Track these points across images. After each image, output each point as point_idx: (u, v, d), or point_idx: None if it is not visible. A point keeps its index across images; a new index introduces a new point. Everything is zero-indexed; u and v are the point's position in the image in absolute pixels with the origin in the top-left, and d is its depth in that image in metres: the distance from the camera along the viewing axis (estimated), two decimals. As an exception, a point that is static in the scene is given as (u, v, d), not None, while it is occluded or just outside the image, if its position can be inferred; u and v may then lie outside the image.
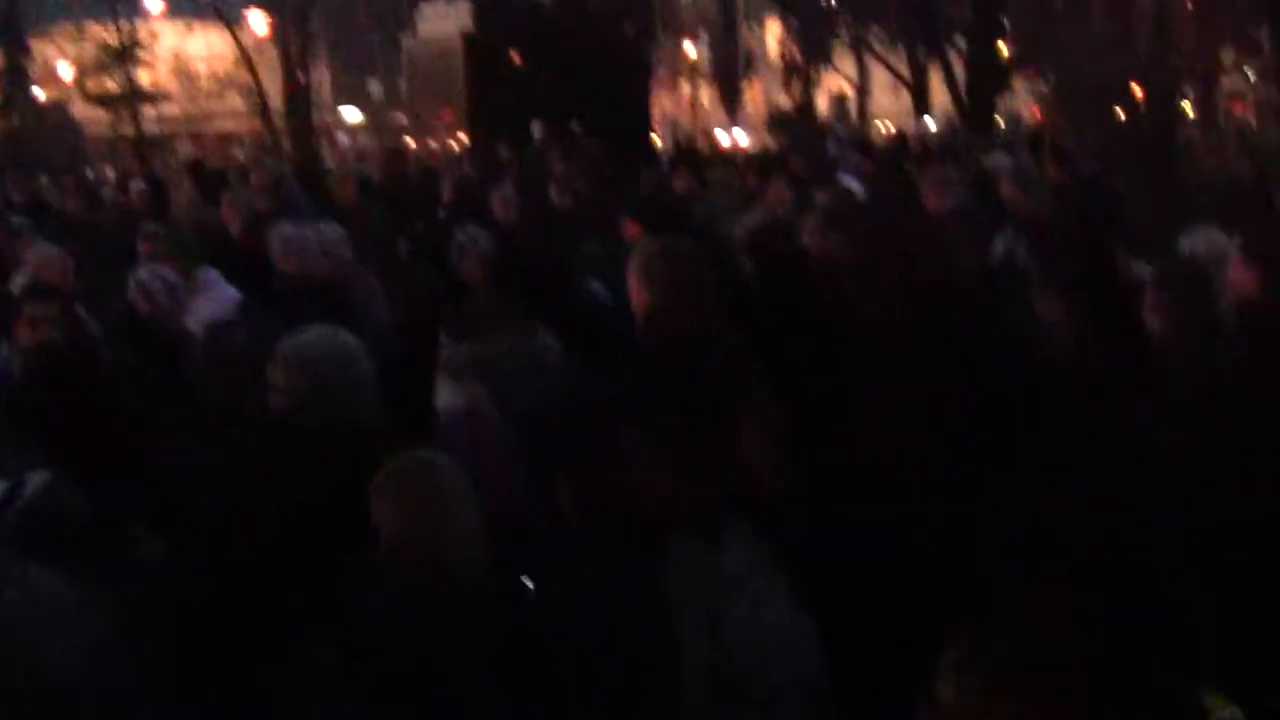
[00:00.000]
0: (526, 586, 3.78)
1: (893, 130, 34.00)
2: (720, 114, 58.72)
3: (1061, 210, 9.46)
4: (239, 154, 46.66)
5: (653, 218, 9.34)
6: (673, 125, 52.33)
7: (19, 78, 58.20)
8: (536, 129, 21.68)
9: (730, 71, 54.54)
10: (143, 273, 7.74)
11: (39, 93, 59.56)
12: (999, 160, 15.15)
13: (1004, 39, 37.04)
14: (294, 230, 9.13)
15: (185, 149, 53.91)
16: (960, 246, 7.56)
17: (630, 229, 9.33)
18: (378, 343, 6.65)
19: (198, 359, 5.84)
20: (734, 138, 45.49)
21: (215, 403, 5.39)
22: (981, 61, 37.12)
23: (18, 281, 9.08)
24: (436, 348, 5.71)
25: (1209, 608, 2.81)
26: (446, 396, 5.42)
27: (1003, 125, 35.54)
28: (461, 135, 24.41)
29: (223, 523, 4.43)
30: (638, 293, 5.74)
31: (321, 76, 63.19)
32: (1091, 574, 2.63)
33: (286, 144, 50.17)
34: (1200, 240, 6.99)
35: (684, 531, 3.60)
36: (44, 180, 23.42)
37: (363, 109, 64.96)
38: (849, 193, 10.42)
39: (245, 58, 58.19)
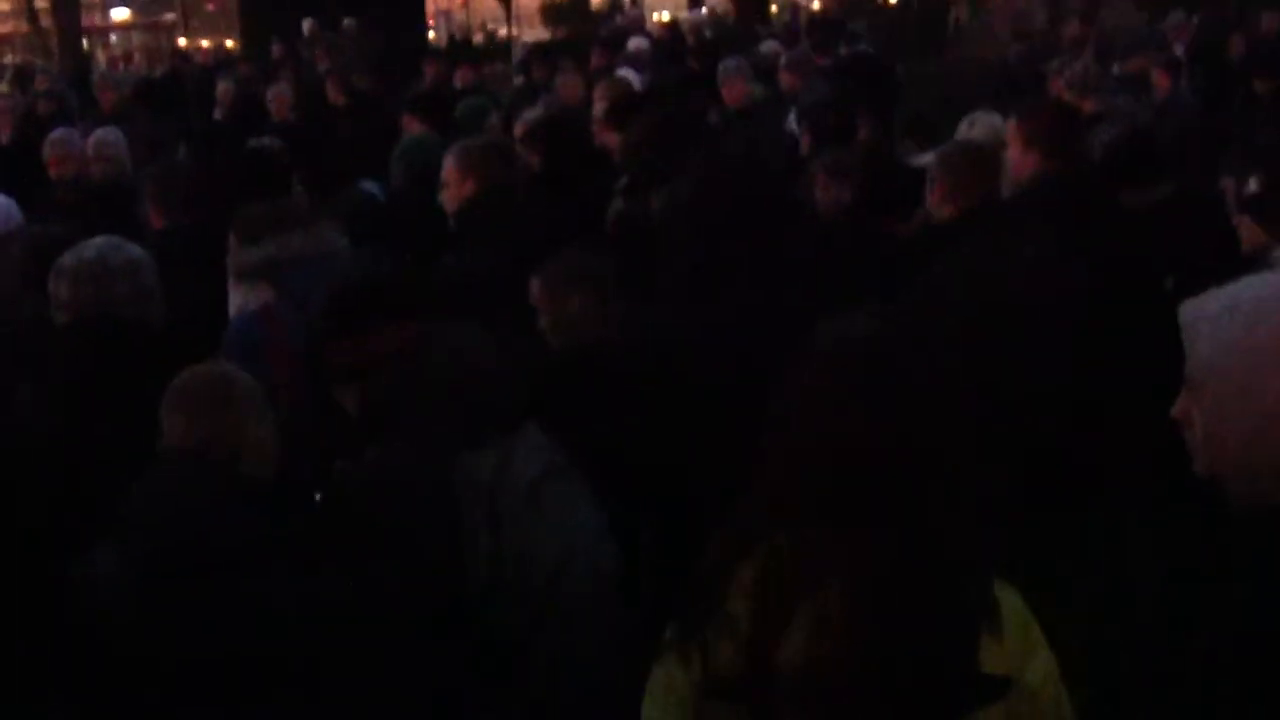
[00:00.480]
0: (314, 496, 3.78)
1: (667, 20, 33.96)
2: (493, 6, 58.11)
3: (840, 94, 9.60)
4: (8, 56, 45.11)
5: (434, 113, 9.34)
6: (445, 18, 51.72)
7: None
8: (307, 25, 21.36)
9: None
10: None
11: None
12: (772, 48, 15.29)
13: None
14: (65, 133, 9.00)
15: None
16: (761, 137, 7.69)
17: (409, 124, 9.34)
18: (159, 246, 6.61)
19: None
20: (511, 30, 45.02)
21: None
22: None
23: None
24: (218, 252, 5.68)
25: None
26: (238, 299, 5.42)
27: (777, 14, 35.64)
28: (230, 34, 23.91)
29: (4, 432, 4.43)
30: (456, 184, 6.10)
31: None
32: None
33: (54, 45, 48.57)
34: (979, 124, 7.19)
35: (471, 445, 3.72)
36: None
37: (130, 7, 63.17)
38: (628, 83, 10.45)
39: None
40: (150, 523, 3.40)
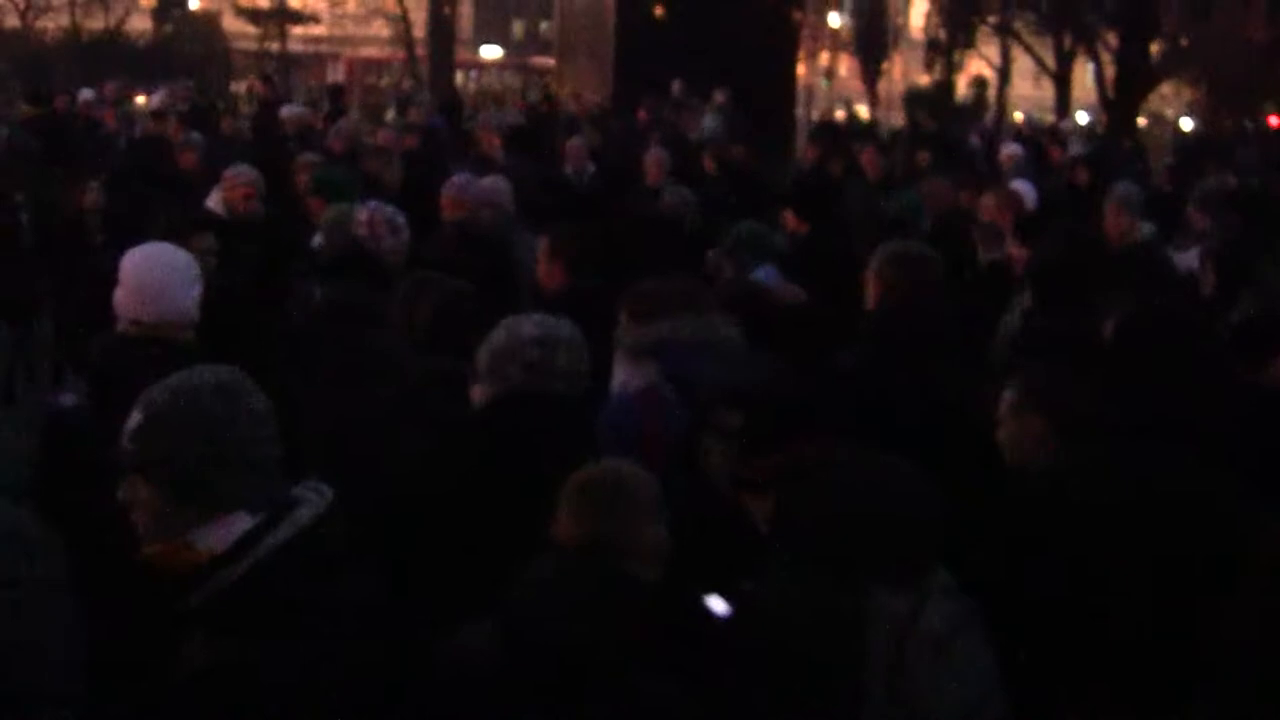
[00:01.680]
0: (709, 601, 3.76)
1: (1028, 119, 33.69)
2: (856, 85, 58.46)
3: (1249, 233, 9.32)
4: (382, 81, 46.95)
5: (810, 208, 9.45)
6: (808, 93, 52.10)
7: (177, -14, 59.10)
8: (676, 87, 21.77)
9: (873, 45, 54.21)
10: (370, 207, 7.84)
11: (194, 3, 60.30)
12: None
13: (1155, 39, 36.60)
14: (465, 180, 9.40)
15: (334, 70, 54.33)
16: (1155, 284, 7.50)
17: (789, 220, 9.49)
18: (553, 306, 6.84)
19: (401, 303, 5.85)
20: (872, 111, 45.30)
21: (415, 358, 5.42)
22: (1130, 59, 36.73)
23: (214, 198, 9.42)
24: (611, 321, 5.72)
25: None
26: (621, 375, 5.40)
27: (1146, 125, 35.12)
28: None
29: (411, 482, 4.52)
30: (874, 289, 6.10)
31: (465, 11, 63.53)
32: None
33: (426, 74, 50.48)
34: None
35: (886, 582, 3.61)
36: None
37: (503, 47, 65.25)
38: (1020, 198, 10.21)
39: (393, -15, 58.66)
40: (525, 612, 3.41)
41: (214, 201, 9.39)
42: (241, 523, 2.99)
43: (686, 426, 4.87)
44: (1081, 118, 35.74)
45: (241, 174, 9.45)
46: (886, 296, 6.14)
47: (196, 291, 4.84)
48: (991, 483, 4.66)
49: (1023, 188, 10.93)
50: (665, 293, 5.58)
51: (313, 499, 3.08)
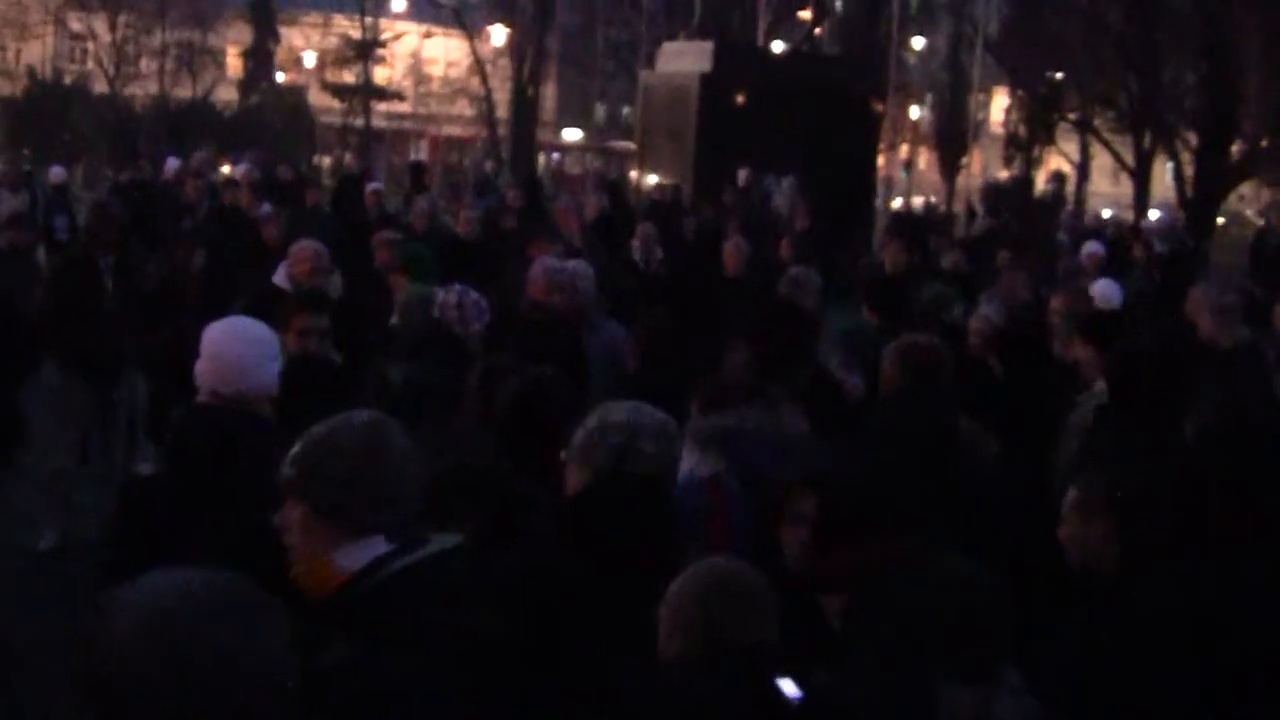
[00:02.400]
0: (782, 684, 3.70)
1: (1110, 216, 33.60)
2: (935, 178, 58.58)
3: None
4: (463, 159, 47.45)
5: (884, 302, 9.48)
6: (886, 185, 52.24)
7: (264, 60, 60.11)
8: (742, 175, 21.89)
9: (952, 139, 54.33)
10: (456, 290, 7.95)
11: (281, 76, 61.27)
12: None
13: (1236, 139, 36.51)
14: (553, 265, 9.44)
15: (416, 148, 54.99)
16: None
17: (866, 313, 9.52)
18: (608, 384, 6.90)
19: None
20: (950, 204, 45.34)
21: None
22: (1211, 159, 36.62)
23: (280, 274, 9.51)
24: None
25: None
26: (689, 463, 5.39)
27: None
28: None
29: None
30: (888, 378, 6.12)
31: (549, 92, 64.20)
32: None
33: (507, 154, 51.03)
34: None
35: (957, 678, 3.64)
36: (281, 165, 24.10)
37: (584, 130, 65.80)
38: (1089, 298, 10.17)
39: (479, 66, 59.34)
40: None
41: (280, 277, 9.46)
42: (378, 547, 3.34)
43: (750, 515, 4.92)
44: (1152, 214, 35.55)
45: (304, 249, 9.52)
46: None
47: (276, 365, 4.91)
48: (1055, 582, 4.64)
49: (1107, 288, 10.86)
50: (734, 383, 5.67)
51: (443, 539, 3.43)
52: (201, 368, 4.82)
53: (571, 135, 68.11)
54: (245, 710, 2.37)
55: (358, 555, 3.32)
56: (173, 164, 20.66)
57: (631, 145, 35.67)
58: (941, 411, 5.81)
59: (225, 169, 22.91)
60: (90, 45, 61.32)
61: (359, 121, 59.40)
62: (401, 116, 63.39)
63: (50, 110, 52.13)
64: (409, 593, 3.27)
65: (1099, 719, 4.24)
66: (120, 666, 2.34)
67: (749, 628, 3.64)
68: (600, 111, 65.07)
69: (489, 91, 59.74)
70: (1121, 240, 20.63)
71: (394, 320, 8.58)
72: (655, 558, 4.03)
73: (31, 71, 58.96)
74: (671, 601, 3.73)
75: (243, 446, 4.60)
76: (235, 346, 4.84)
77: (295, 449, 3.50)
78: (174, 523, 3.87)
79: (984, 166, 58.43)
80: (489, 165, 36.37)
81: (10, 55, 61.31)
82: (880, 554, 4.05)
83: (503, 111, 59.26)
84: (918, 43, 58.56)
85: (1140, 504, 4.72)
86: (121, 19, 59.29)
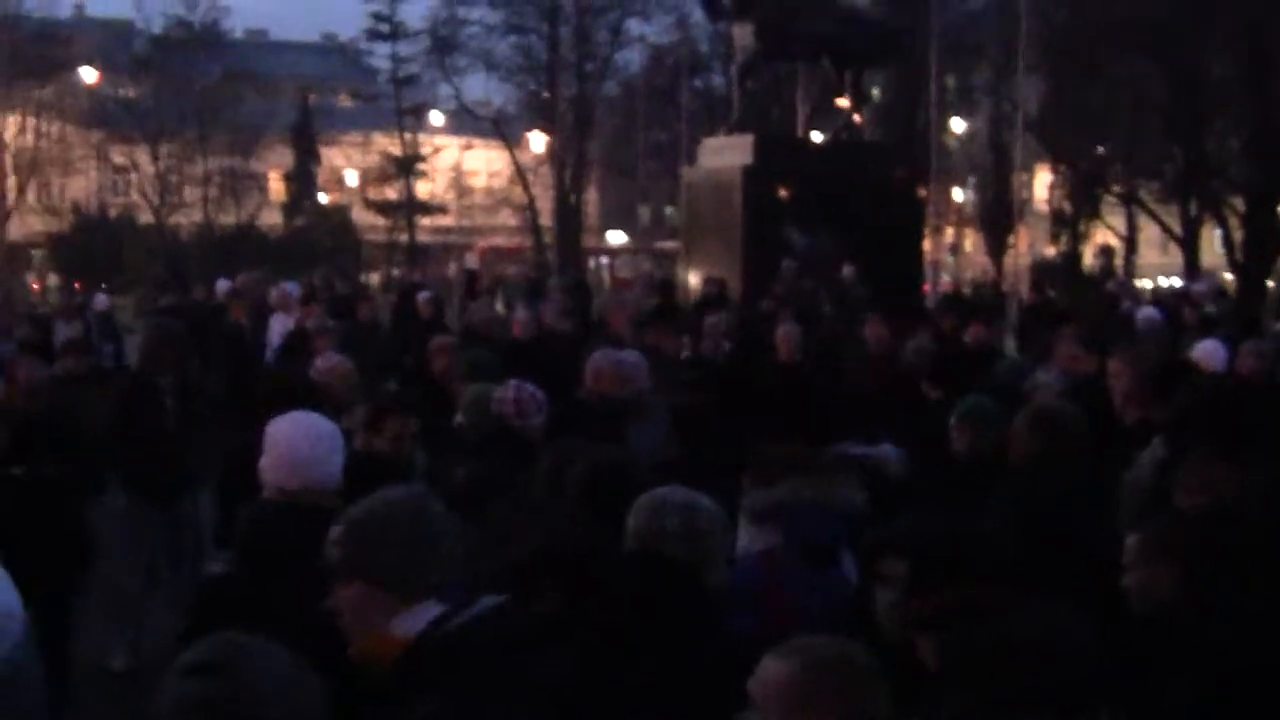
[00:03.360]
0: None
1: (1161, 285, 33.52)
2: (982, 259, 58.58)
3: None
4: (509, 270, 47.67)
5: (947, 377, 9.53)
6: (934, 269, 52.22)
7: (307, 181, 60.81)
8: (785, 267, 21.92)
9: (998, 219, 54.30)
10: (515, 386, 8.05)
11: (323, 197, 61.92)
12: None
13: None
14: (607, 356, 9.56)
15: (465, 259, 55.39)
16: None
17: (930, 390, 9.56)
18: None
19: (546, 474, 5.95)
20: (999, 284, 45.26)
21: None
22: (1259, 222, 36.53)
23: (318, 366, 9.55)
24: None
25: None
26: (744, 539, 5.48)
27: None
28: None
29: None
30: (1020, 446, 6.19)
31: (591, 198, 64.66)
32: None
33: (554, 261, 51.29)
34: None
35: (1049, 715, 3.60)
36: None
37: (628, 233, 66.19)
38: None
39: (521, 176, 59.85)
40: None
41: None
42: (432, 610, 3.46)
43: (806, 587, 5.02)
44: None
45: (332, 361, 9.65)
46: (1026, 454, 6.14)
47: (340, 459, 4.92)
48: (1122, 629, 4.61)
49: (1214, 348, 10.90)
50: (785, 457, 5.69)
51: (489, 597, 3.54)
52: (266, 464, 4.83)
53: (616, 238, 68.51)
54: None
55: (415, 621, 3.43)
56: (223, 285, 20.83)
57: (676, 244, 35.86)
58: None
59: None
60: (134, 177, 62.14)
61: (404, 237, 59.90)
62: (446, 230, 63.92)
63: (98, 243, 52.88)
64: (477, 644, 3.37)
65: None
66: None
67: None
68: (644, 213, 65.46)
69: (531, 200, 60.24)
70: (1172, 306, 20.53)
71: (458, 419, 8.64)
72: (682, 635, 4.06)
73: (77, 207, 59.89)
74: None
75: (310, 540, 4.60)
76: (300, 441, 4.85)
77: (335, 532, 3.63)
78: (246, 618, 3.86)
79: (1031, 245, 58.37)
80: (534, 272, 36.56)
81: (55, 190, 62.25)
82: (974, 600, 4.02)
83: (546, 219, 59.70)
84: (958, 125, 58.71)
85: (1204, 544, 4.70)
86: (163, 149, 60.08)
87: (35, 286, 53.34)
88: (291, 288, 19.36)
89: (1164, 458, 6.63)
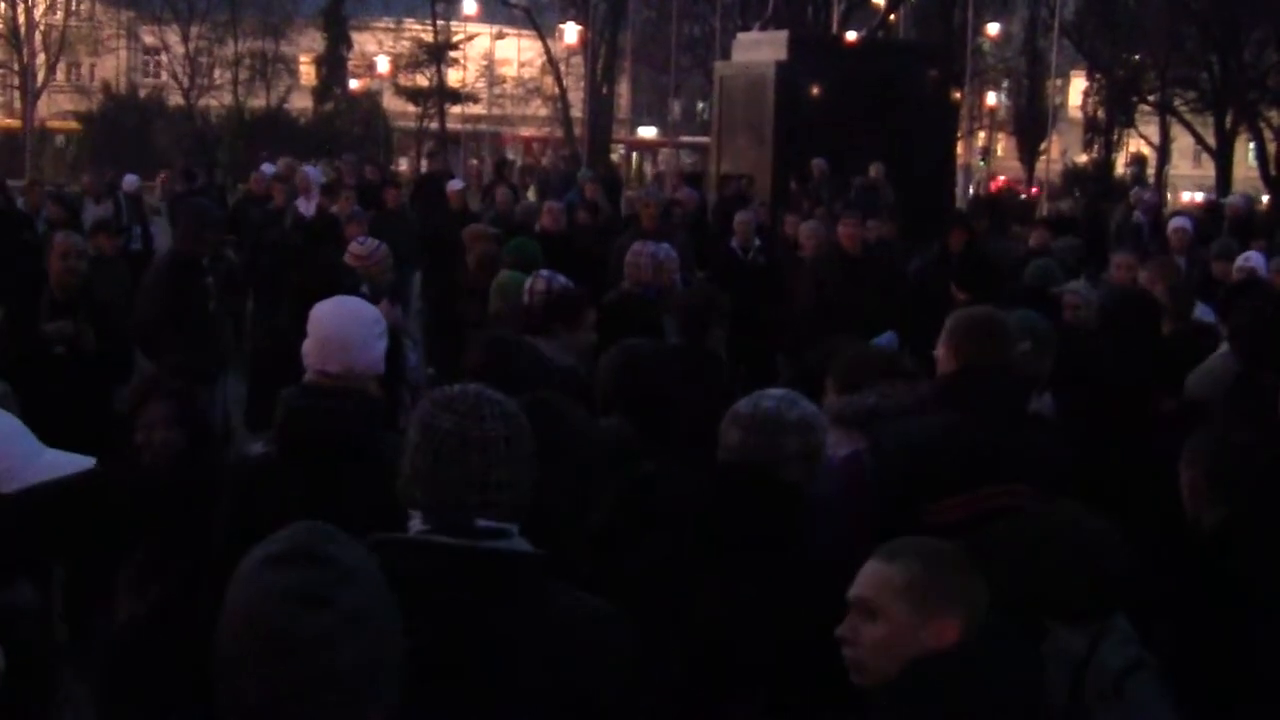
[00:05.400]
0: None
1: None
2: (1013, 164, 58.22)
3: None
4: (545, 158, 47.54)
5: (974, 280, 9.50)
6: (965, 173, 51.94)
7: (338, 66, 60.40)
8: (817, 168, 21.82)
9: (1031, 125, 53.90)
10: (544, 275, 8.00)
11: (354, 82, 61.56)
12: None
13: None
14: (644, 248, 9.58)
15: (492, 149, 55.24)
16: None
17: (955, 292, 9.52)
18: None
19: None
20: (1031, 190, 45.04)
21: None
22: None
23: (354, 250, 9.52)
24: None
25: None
26: (833, 443, 5.14)
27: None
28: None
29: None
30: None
31: (623, 91, 64.26)
32: None
33: (584, 153, 51.11)
34: None
35: (1063, 618, 3.71)
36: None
37: (659, 127, 65.78)
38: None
39: (553, 66, 59.47)
40: None
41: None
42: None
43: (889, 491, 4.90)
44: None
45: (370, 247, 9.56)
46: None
47: (384, 344, 4.90)
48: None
49: (1255, 259, 11.03)
50: (867, 362, 5.62)
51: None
52: (309, 347, 4.79)
53: (646, 132, 68.14)
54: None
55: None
56: (268, 169, 20.79)
57: (706, 140, 35.67)
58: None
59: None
60: (164, 58, 61.88)
61: (434, 125, 59.64)
62: (476, 118, 63.58)
63: (128, 124, 52.78)
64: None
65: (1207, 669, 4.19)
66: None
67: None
68: (675, 107, 65.05)
69: (563, 91, 59.87)
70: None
71: (490, 306, 8.63)
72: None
73: (107, 86, 59.76)
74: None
75: (353, 423, 4.61)
76: (344, 325, 4.82)
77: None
78: (284, 501, 3.84)
79: (1063, 151, 58.04)
80: (563, 164, 36.49)
81: (85, 71, 62.05)
82: (997, 503, 4.07)
83: (577, 111, 59.37)
84: (993, 28, 58.15)
85: (1240, 452, 4.67)
86: (194, 30, 59.82)
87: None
88: (313, 172, 19.31)
89: (1240, 371, 6.66)
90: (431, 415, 3.26)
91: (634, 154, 68.83)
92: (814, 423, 4.47)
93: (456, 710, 3.01)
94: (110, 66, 63.10)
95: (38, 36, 58.58)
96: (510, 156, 41.40)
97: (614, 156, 59.69)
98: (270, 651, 2.43)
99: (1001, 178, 52.68)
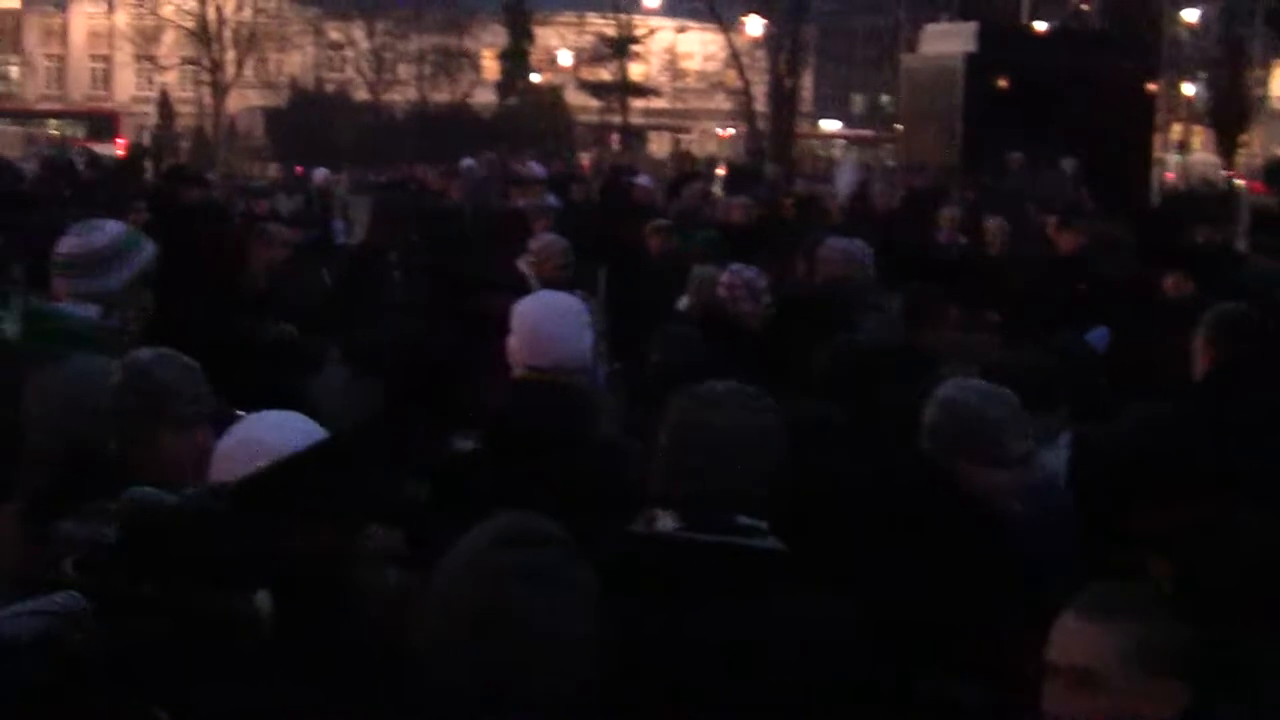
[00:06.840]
0: None
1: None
2: (1211, 157, 56.85)
3: None
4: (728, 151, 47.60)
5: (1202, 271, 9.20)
6: (1160, 166, 50.90)
7: (520, 61, 60.85)
8: (1014, 160, 21.40)
9: (1230, 116, 52.52)
10: (732, 270, 7.91)
11: (536, 76, 61.99)
12: None
13: None
14: (835, 243, 9.39)
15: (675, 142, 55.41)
16: None
17: (1174, 282, 9.22)
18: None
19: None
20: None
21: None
22: None
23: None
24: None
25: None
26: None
27: None
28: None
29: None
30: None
31: (806, 84, 63.94)
32: None
33: (767, 146, 50.91)
34: None
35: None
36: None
37: (843, 121, 65.44)
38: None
39: (736, 59, 59.30)
40: None
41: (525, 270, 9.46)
42: None
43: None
44: None
45: (553, 246, 9.51)
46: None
47: (589, 337, 4.82)
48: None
49: None
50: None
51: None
52: (515, 343, 4.73)
53: (830, 125, 67.77)
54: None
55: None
56: (468, 163, 20.93)
57: (889, 134, 35.32)
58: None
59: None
60: (349, 53, 62.90)
61: (616, 119, 59.84)
62: (658, 113, 63.69)
63: (314, 119, 53.69)
64: None
65: None
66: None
67: None
68: (858, 101, 64.62)
69: (746, 84, 59.66)
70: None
71: (684, 302, 8.56)
72: None
73: (294, 82, 60.86)
74: None
75: (567, 419, 4.55)
76: (549, 319, 4.75)
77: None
78: (495, 498, 3.77)
79: (1264, 144, 56.53)
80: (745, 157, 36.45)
81: (271, 66, 63.24)
82: (1207, 514, 3.87)
83: (760, 104, 59.15)
84: (1191, 16, 56.72)
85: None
86: (379, 26, 60.69)
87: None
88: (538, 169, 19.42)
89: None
90: (695, 410, 3.33)
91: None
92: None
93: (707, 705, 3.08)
94: (296, 62, 64.27)
95: (227, 33, 59.84)
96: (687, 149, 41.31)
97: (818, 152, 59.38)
98: (496, 628, 2.55)
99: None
